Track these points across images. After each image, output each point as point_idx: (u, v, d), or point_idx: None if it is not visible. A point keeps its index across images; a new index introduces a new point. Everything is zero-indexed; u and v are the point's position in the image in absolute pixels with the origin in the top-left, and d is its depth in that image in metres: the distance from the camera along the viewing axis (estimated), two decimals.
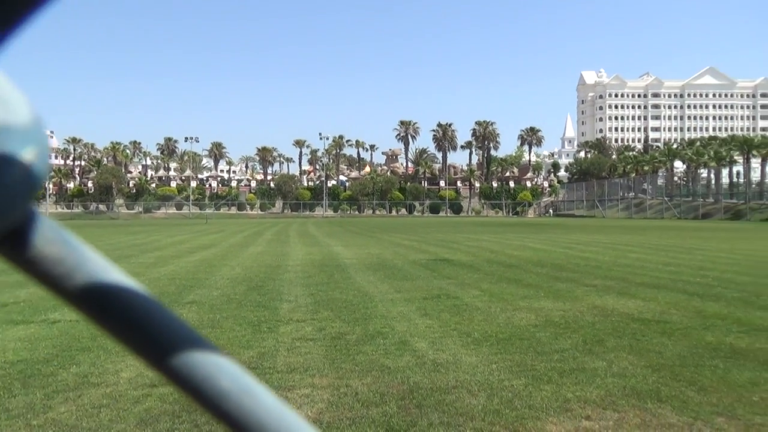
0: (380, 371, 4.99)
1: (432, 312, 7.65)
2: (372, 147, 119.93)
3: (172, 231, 35.27)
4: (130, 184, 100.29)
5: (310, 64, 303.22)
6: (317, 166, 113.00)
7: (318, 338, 6.19)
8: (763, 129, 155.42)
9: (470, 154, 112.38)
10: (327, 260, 14.95)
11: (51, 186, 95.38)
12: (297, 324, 6.93)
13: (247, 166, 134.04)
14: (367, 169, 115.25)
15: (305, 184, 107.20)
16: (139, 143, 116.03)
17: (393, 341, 6.05)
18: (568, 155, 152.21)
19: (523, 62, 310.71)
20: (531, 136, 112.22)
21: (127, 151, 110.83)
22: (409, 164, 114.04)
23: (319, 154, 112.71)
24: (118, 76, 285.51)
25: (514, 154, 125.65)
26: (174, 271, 12.65)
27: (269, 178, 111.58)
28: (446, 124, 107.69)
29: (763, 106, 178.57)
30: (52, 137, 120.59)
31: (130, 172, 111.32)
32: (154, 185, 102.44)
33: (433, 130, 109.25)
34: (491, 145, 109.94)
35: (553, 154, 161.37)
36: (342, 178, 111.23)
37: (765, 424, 3.72)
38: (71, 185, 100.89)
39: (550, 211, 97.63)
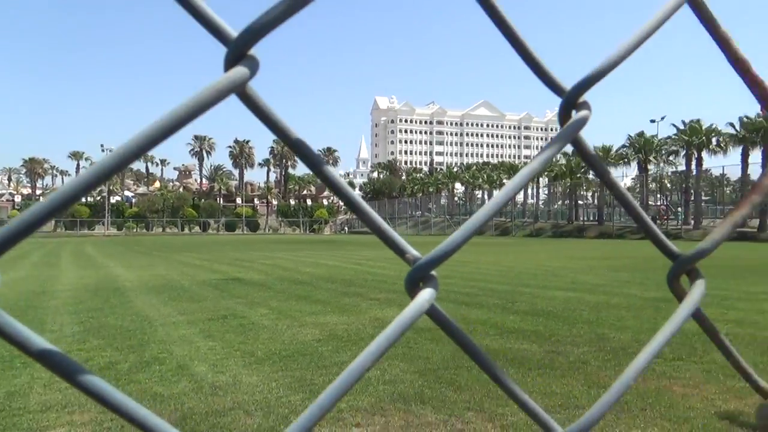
0: (152, 400, 4.70)
1: (216, 333, 7.42)
2: (163, 162, 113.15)
3: None
4: None
5: (89, 66, 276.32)
6: None
7: None
8: (526, 157, 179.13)
9: (268, 171, 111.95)
10: (103, 283, 13.66)
11: None
12: None
13: (10, 179, 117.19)
14: (157, 184, 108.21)
15: (83, 199, 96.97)
16: None
17: (170, 367, 5.74)
18: (362, 175, 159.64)
19: (320, 84, 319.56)
20: (328, 156, 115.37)
21: None
22: (204, 180, 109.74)
23: None
24: None
25: (311, 173, 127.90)
26: None
27: (38, 192, 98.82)
28: (243, 140, 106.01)
29: (526, 137, 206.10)
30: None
31: None
32: None
33: (230, 147, 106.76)
34: (289, 163, 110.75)
35: (348, 174, 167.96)
36: (128, 193, 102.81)
37: (505, 414, 4.26)
38: None
39: (346, 228, 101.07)
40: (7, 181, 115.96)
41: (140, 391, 4.92)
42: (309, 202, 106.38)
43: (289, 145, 0.39)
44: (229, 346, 6.68)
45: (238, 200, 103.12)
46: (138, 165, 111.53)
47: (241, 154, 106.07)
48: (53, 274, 16.59)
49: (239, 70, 0.34)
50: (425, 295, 0.40)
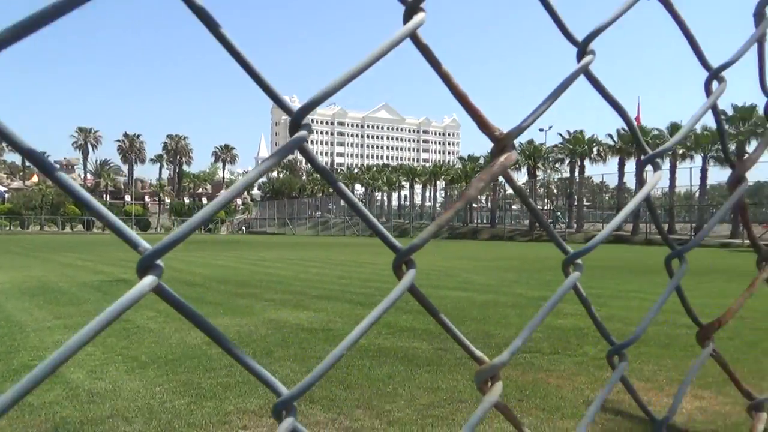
0: (20, 411, 4.36)
1: (96, 338, 7.00)
2: (42, 154, 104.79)
3: None
4: None
5: None
6: None
7: None
8: (425, 160, 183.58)
9: (161, 168, 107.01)
10: None
11: None
12: None
13: None
14: (35, 178, 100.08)
15: None
16: None
17: None
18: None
19: (220, 79, 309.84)
20: (225, 154, 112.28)
21: None
22: (89, 176, 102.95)
23: None
24: None
25: (208, 171, 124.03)
26: None
27: None
28: (134, 135, 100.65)
29: (425, 141, 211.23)
30: None
31: None
32: None
33: (119, 141, 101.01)
34: (184, 160, 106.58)
35: (246, 172, 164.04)
36: (0, 188, 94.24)
37: (392, 410, 4.37)
38: None
39: (243, 228, 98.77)
40: None
41: None
42: (205, 200, 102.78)
43: (22, 155, 0.41)
44: (110, 351, 6.33)
45: (128, 197, 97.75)
46: (12, 157, 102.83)
47: (130, 149, 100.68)
48: None
49: None
50: (147, 280, 0.46)
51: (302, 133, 0.42)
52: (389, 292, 0.60)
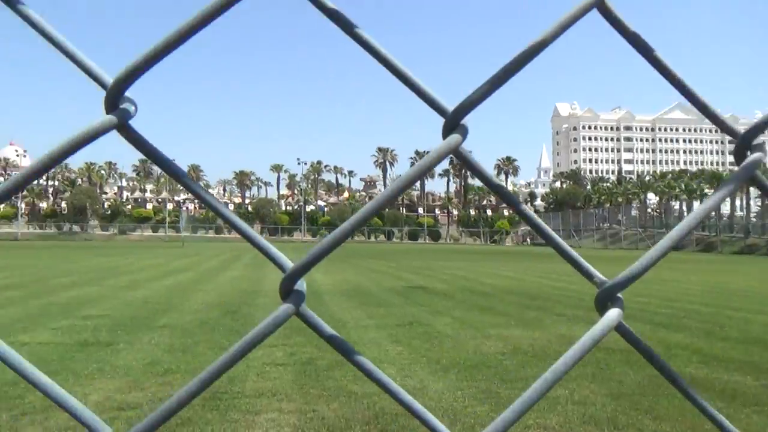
0: (347, 397, 5.06)
1: (403, 339, 7.74)
2: (350, 173, 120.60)
3: (147, 254, 34.87)
4: (105, 206, 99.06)
5: (287, 89, 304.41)
6: (296, 191, 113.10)
7: (288, 363, 6.23)
8: (731, 164, 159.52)
9: (448, 182, 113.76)
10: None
11: (23, 206, 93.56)
12: (268, 349, 6.96)
13: (224, 190, 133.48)
14: (346, 194, 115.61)
15: (283, 208, 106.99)
16: (115, 164, 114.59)
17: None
18: (544, 185, 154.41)
19: (498, 91, 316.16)
20: (507, 166, 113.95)
21: (102, 171, 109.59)
22: None
23: (297, 178, 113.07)
24: (90, 93, 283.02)
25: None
26: (147, 294, 12.56)
27: (247, 201, 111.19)
28: (424, 152, 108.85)
29: (730, 142, 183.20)
30: (24, 156, 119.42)
31: (105, 193, 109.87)
32: (129, 207, 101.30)
33: (411, 158, 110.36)
34: (468, 173, 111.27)
35: (529, 184, 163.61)
36: (320, 203, 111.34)
37: None
38: (44, 205, 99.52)
39: (528, 239, 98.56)
40: (222, 192, 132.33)
41: (337, 388, 5.33)
42: (489, 212, 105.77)
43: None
44: (415, 352, 6.93)
45: (420, 210, 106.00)
46: (328, 176, 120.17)
47: None
48: (261, 275, 18.54)
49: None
50: (283, 308, 0.47)
51: (455, 136, 0.40)
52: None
